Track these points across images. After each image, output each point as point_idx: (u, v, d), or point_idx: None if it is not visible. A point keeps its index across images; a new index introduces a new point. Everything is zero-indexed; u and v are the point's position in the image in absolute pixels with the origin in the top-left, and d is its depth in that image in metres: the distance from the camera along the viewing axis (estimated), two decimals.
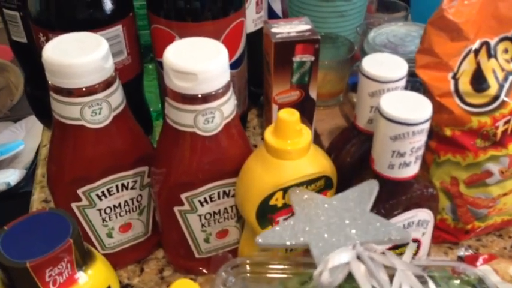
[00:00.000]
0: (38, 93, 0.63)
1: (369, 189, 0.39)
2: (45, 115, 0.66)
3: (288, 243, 0.36)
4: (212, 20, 0.50)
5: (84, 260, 0.32)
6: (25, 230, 0.31)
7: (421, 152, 0.38)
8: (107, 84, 0.39)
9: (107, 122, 0.40)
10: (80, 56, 0.37)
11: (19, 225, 0.31)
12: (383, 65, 0.41)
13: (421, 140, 0.37)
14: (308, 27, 0.53)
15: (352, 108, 0.62)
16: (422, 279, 0.36)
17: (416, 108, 0.36)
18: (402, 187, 0.40)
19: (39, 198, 0.56)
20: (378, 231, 0.36)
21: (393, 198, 0.40)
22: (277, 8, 0.77)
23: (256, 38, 0.62)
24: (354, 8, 0.65)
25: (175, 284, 0.35)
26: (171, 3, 0.49)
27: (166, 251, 0.49)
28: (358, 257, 0.35)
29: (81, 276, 0.31)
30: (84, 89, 0.38)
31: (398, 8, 0.72)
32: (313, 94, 0.56)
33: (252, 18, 0.61)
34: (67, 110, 0.39)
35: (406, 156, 0.37)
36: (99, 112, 0.39)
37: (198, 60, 0.37)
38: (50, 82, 0.39)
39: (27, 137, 1.59)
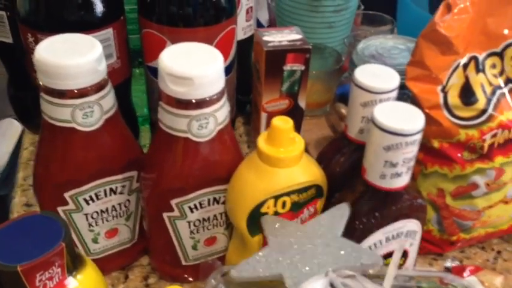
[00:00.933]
0: (21, 95, 0.62)
1: (340, 214, 0.40)
2: (28, 117, 0.65)
3: (262, 275, 0.36)
4: (204, 26, 0.50)
5: (74, 264, 0.31)
6: (16, 232, 0.30)
7: (412, 163, 0.38)
8: (99, 86, 0.39)
9: (98, 125, 0.40)
10: (74, 57, 0.37)
11: (9, 227, 0.30)
12: (376, 76, 0.42)
13: (413, 150, 0.37)
14: (299, 36, 0.53)
15: (339, 118, 0.62)
16: None
17: (409, 119, 0.37)
18: (393, 197, 0.40)
19: (20, 202, 0.55)
20: (349, 256, 0.37)
21: (384, 208, 0.40)
22: (263, 17, 0.78)
23: (245, 46, 0.62)
24: (342, 20, 0.65)
25: None
26: (163, 8, 0.49)
27: (152, 257, 0.49)
28: (332, 285, 0.35)
29: (71, 282, 0.31)
30: (76, 91, 0.38)
31: (384, 21, 0.73)
32: (302, 103, 0.56)
33: (241, 26, 0.61)
34: (58, 112, 0.38)
35: (398, 167, 0.38)
36: (91, 115, 0.39)
37: (194, 65, 0.37)
38: (41, 83, 0.38)
39: (1, 140, 1.55)
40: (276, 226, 0.39)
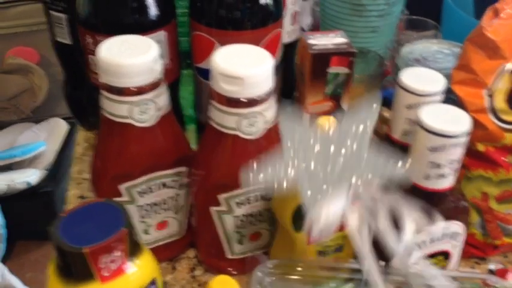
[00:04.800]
0: (77, 94, 0.65)
1: (366, 112, 0.35)
2: (82, 115, 0.69)
3: (278, 184, 0.33)
4: (252, 29, 0.51)
5: (134, 250, 0.33)
6: (82, 217, 0.32)
7: (457, 165, 0.39)
8: (155, 85, 0.41)
9: (153, 121, 0.42)
10: (133, 57, 0.39)
11: (76, 213, 0.32)
12: (421, 79, 0.42)
13: (458, 152, 0.38)
14: (344, 40, 0.54)
15: (381, 121, 0.63)
16: None
17: (455, 121, 0.38)
18: (437, 198, 0.41)
19: (74, 195, 0.58)
20: (372, 168, 0.33)
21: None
22: (305, 22, 0.79)
23: (289, 50, 0.64)
24: (386, 24, 0.66)
25: (216, 280, 0.36)
26: (213, 12, 0.51)
27: (199, 250, 0.50)
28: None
29: (130, 266, 0.33)
30: (134, 89, 0.40)
31: (428, 26, 0.73)
32: (345, 106, 0.57)
33: (286, 30, 0.63)
34: (116, 108, 0.41)
35: (443, 168, 0.39)
36: (147, 112, 0.41)
37: (245, 66, 0.39)
38: (102, 81, 0.40)
39: (48, 138, 1.61)
40: (295, 134, 0.35)
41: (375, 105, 0.36)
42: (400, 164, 0.34)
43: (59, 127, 1.66)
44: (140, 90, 0.40)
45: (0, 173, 1.46)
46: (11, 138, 1.66)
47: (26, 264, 1.47)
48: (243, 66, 0.39)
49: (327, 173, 0.32)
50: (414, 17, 0.73)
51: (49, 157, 1.55)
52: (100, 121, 0.43)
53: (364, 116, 0.35)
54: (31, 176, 1.46)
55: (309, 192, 0.31)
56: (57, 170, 1.51)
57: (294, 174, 0.32)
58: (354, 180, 0.32)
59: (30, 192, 1.43)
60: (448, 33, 0.70)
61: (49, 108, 1.72)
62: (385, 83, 0.62)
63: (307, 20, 0.79)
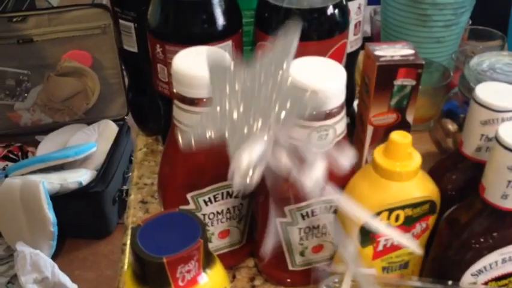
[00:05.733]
0: (139, 100, 0.67)
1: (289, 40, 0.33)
2: (143, 120, 0.70)
3: (208, 135, 0.31)
4: (318, 40, 0.51)
5: (207, 261, 0.33)
6: (158, 227, 0.33)
7: None
8: None
9: None
10: (204, 68, 0.40)
11: (153, 222, 0.33)
12: (498, 94, 0.41)
13: None
14: (412, 51, 0.53)
15: (445, 134, 0.62)
16: None
17: None
18: None
19: (136, 199, 0.59)
20: (292, 102, 0.31)
21: (503, 228, 0.39)
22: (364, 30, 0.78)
23: (350, 60, 0.63)
24: (452, 35, 0.64)
25: None
26: (279, 22, 0.51)
27: (260, 260, 0.50)
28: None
29: (204, 277, 0.33)
30: (205, 100, 0.40)
31: (494, 36, 0.71)
32: (409, 118, 0.56)
33: (349, 40, 0.62)
34: (187, 118, 0.41)
35: None
36: None
37: (319, 79, 0.39)
38: (175, 91, 0.41)
39: (99, 139, 1.66)
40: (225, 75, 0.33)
41: (293, 45, 0.34)
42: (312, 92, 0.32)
43: (109, 129, 1.70)
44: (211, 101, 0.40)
45: (53, 172, 1.52)
46: (64, 138, 1.71)
47: (75, 261, 1.51)
48: (317, 79, 0.39)
49: (249, 116, 0.31)
50: (479, 27, 0.71)
51: (99, 158, 1.59)
52: (170, 129, 0.44)
53: (281, 55, 0.33)
54: (83, 176, 1.50)
55: (232, 141, 0.30)
56: (107, 171, 1.55)
57: (219, 124, 0.31)
58: (272, 119, 0.30)
59: (80, 192, 1.47)
60: None
61: (100, 110, 1.77)
62: (450, 94, 0.61)
63: (365, 29, 0.78)
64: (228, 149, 0.30)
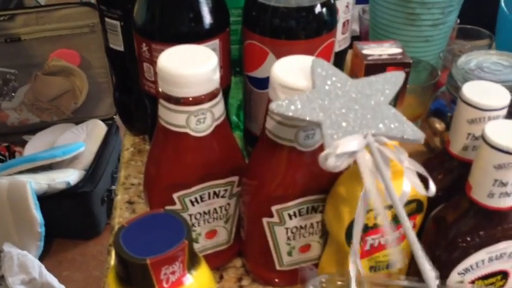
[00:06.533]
0: (125, 99, 0.66)
1: (395, 80, 0.39)
2: (129, 119, 0.70)
3: (301, 116, 0.35)
4: (306, 38, 0.51)
5: (192, 262, 0.33)
6: (143, 228, 0.32)
7: None
8: (212, 95, 0.41)
9: (209, 131, 0.42)
10: (193, 67, 0.39)
11: (137, 223, 0.32)
12: (485, 93, 0.41)
13: None
14: (399, 50, 0.53)
15: (433, 133, 0.62)
16: None
17: None
18: (499, 217, 0.39)
19: (122, 199, 0.59)
20: (393, 126, 0.36)
21: (489, 227, 0.39)
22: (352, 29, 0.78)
23: (338, 59, 0.63)
24: (440, 34, 0.65)
25: None
26: (267, 21, 0.51)
27: (248, 260, 0.50)
28: (367, 148, 0.35)
29: (189, 278, 0.33)
30: (191, 99, 0.40)
31: (481, 35, 0.71)
32: None
33: (337, 39, 0.62)
34: (173, 117, 0.41)
35: (508, 186, 0.37)
36: (203, 121, 0.41)
37: (306, 78, 0.39)
38: (161, 90, 0.41)
39: (88, 139, 1.65)
40: (329, 72, 0.38)
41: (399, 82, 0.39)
42: (416, 128, 0.38)
43: (97, 128, 1.69)
44: (198, 100, 0.40)
45: (41, 172, 1.50)
46: (52, 138, 1.70)
47: (63, 262, 1.50)
48: (304, 78, 0.39)
49: (348, 118, 0.36)
50: (467, 26, 0.72)
51: (88, 158, 1.58)
52: (156, 129, 0.43)
53: (385, 87, 0.39)
54: (71, 176, 1.48)
55: (330, 130, 0.35)
56: (95, 171, 1.54)
57: (319, 110, 0.35)
58: (371, 130, 0.35)
59: (68, 192, 1.46)
60: (503, 43, 0.68)
61: (88, 110, 1.76)
62: (438, 93, 0.61)
63: (353, 28, 0.78)
64: (323, 133, 0.35)
